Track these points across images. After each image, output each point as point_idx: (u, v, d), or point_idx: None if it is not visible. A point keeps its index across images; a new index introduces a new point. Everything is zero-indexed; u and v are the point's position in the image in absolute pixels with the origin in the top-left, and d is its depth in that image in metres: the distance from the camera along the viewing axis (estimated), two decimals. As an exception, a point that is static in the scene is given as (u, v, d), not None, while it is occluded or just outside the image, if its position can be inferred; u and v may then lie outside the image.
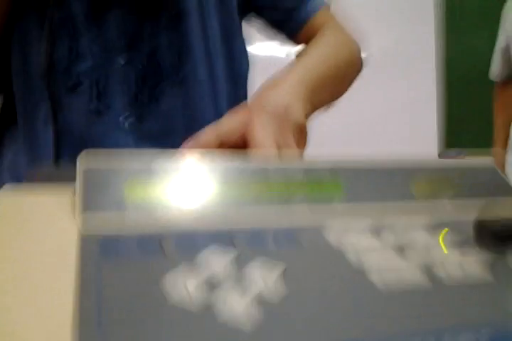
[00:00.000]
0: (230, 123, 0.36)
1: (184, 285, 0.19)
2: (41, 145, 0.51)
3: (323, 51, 0.55)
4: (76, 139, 0.51)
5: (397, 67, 2.36)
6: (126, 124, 0.52)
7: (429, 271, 0.22)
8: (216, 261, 0.20)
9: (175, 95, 0.54)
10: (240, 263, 0.20)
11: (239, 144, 0.36)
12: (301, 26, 0.62)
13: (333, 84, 0.53)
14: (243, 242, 0.23)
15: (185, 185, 0.27)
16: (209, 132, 0.36)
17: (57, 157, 0.49)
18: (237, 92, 0.61)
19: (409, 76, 2.34)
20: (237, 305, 0.18)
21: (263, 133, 0.34)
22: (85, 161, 0.26)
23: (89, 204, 0.24)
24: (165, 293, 0.18)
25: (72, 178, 0.31)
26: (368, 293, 0.20)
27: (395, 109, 2.31)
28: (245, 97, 0.62)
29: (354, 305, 0.20)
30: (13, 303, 0.17)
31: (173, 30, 0.54)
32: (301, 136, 0.37)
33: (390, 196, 0.29)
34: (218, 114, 0.58)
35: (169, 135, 0.54)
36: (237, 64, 0.60)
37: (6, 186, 0.27)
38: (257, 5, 0.63)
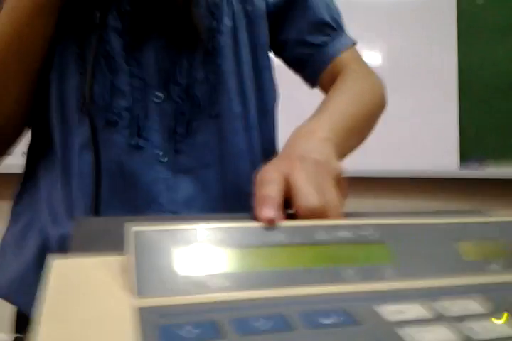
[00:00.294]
0: (272, 175, 0.36)
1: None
2: (78, 177, 0.52)
3: (351, 97, 0.55)
4: (115, 172, 0.52)
5: (417, 75, 2.35)
6: (165, 158, 0.53)
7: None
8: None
9: (210, 129, 0.55)
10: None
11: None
12: (327, 64, 0.62)
13: (361, 130, 0.54)
14: (300, 323, 0.23)
15: (232, 252, 0.27)
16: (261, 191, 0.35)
17: (97, 188, 0.50)
18: (266, 126, 0.61)
19: (429, 83, 2.32)
20: None
21: (307, 185, 0.34)
22: (135, 235, 0.26)
23: (143, 286, 0.24)
24: None
25: (115, 233, 0.32)
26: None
27: (414, 117, 2.30)
28: (274, 130, 0.63)
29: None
30: None
31: (209, 65, 0.55)
32: (341, 185, 0.37)
33: (438, 259, 0.29)
34: (251, 148, 0.58)
35: (204, 168, 0.55)
36: (267, 97, 0.61)
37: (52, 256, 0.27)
38: (284, 39, 0.63)
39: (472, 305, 0.26)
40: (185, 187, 0.54)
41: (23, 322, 0.57)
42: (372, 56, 2.10)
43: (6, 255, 0.57)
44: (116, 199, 0.52)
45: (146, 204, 0.52)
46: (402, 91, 2.20)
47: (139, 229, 0.27)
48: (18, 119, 0.54)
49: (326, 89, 0.62)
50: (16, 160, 0.62)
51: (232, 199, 0.56)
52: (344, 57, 0.62)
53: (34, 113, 0.55)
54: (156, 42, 0.53)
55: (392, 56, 2.29)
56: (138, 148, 0.52)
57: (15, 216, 0.58)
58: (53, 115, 0.53)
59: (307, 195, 0.33)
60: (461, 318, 0.25)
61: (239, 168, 0.57)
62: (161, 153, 0.53)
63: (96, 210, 0.50)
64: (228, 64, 0.56)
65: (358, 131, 0.52)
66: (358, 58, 0.64)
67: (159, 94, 0.53)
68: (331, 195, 0.35)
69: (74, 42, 0.52)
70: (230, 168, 0.57)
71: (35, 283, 0.52)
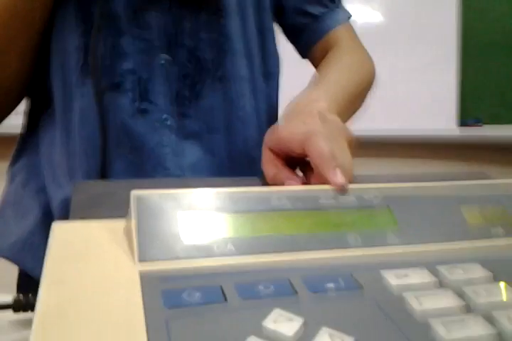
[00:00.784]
0: (292, 133, 0.36)
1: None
2: (81, 141, 0.51)
3: (346, 71, 0.55)
4: (121, 136, 0.51)
5: (417, 32, 2.30)
6: (169, 122, 0.52)
7: (491, 317, 0.22)
8: (285, 326, 0.20)
9: (216, 91, 0.54)
10: (309, 330, 0.20)
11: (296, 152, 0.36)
12: (322, 35, 0.62)
13: (354, 103, 0.54)
14: (304, 287, 0.23)
15: (238, 216, 0.27)
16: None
17: (103, 152, 0.49)
18: (270, 90, 0.60)
19: (428, 41, 2.28)
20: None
21: (327, 146, 0.34)
22: (137, 200, 0.26)
23: (145, 249, 0.24)
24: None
25: (118, 196, 0.32)
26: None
27: (413, 75, 2.27)
28: (277, 97, 0.62)
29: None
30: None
31: (214, 26, 0.53)
32: (351, 149, 0.37)
33: (443, 224, 0.29)
34: (257, 112, 0.58)
35: (210, 132, 0.54)
36: (270, 60, 0.60)
37: (57, 222, 0.27)
38: (283, 4, 0.62)
39: (477, 270, 0.26)
40: (191, 152, 0.54)
41: (25, 283, 0.58)
42: (370, 12, 2.05)
43: (4, 215, 0.57)
44: (122, 164, 0.51)
45: (153, 168, 0.52)
46: (400, 49, 2.16)
47: (140, 193, 0.26)
48: (22, 78, 0.53)
49: (316, 60, 0.63)
50: (14, 120, 0.61)
51: (238, 164, 0.56)
52: (339, 30, 0.62)
53: (34, 73, 0.54)
54: (160, 3, 0.51)
55: (391, 12, 2.22)
56: (143, 111, 0.51)
57: (12, 175, 0.58)
58: (54, 76, 0.52)
59: (326, 151, 0.33)
60: (465, 282, 0.25)
61: (246, 133, 0.56)
62: (167, 117, 0.52)
63: (102, 175, 0.49)
64: (233, 24, 0.54)
65: (352, 103, 0.52)
66: (352, 34, 0.64)
67: (164, 55, 0.51)
68: (347, 158, 0.34)
69: (75, 3, 0.50)
70: (237, 132, 0.56)
71: (39, 245, 0.52)
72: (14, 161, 0.59)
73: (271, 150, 0.38)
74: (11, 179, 0.58)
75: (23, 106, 0.58)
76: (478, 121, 2.36)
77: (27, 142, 0.58)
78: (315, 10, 0.62)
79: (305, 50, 0.65)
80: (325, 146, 0.33)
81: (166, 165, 0.52)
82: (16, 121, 0.63)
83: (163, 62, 0.51)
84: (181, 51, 0.52)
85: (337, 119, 0.38)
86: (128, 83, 0.50)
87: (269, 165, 0.38)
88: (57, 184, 0.53)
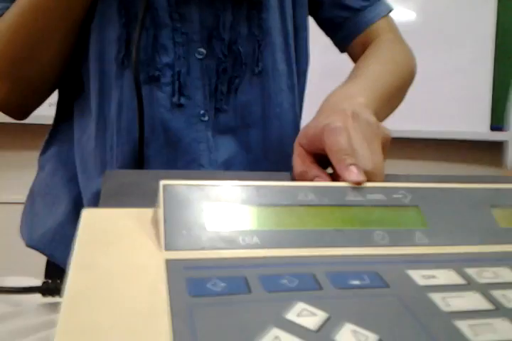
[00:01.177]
0: (317, 128, 0.35)
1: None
2: (117, 133, 0.51)
3: (386, 66, 0.54)
4: (158, 130, 0.51)
5: (452, 34, 2.25)
6: (206, 117, 0.52)
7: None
8: (309, 320, 0.20)
9: (254, 87, 0.54)
10: (333, 325, 0.20)
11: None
12: (363, 29, 0.61)
13: (393, 99, 0.53)
14: (329, 282, 0.23)
15: (264, 209, 0.27)
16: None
17: (140, 146, 0.49)
18: (303, 90, 0.60)
19: (465, 42, 2.23)
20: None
21: (363, 146, 0.33)
22: (166, 190, 0.26)
23: (172, 238, 0.24)
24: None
25: (148, 186, 0.32)
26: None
27: (446, 77, 2.23)
28: (304, 94, 0.61)
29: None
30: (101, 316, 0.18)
31: (253, 20, 0.53)
32: (385, 149, 0.36)
33: (474, 226, 0.28)
34: (293, 108, 0.57)
35: (246, 128, 0.54)
36: (303, 57, 0.59)
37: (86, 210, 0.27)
38: (322, 1, 0.61)
39: (506, 273, 0.25)
40: (226, 147, 0.53)
41: (53, 271, 0.59)
42: (406, 12, 2.01)
43: (34, 203, 0.58)
44: (157, 158, 0.51)
45: (187, 164, 0.52)
46: (434, 50, 2.12)
47: (168, 183, 0.27)
48: (57, 70, 0.53)
49: (356, 54, 0.61)
50: (44, 111, 0.62)
51: (273, 161, 0.55)
52: (379, 24, 0.61)
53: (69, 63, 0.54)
54: None
55: (426, 12, 2.18)
56: (180, 106, 0.51)
57: (41, 165, 0.59)
58: (91, 66, 0.52)
59: (363, 158, 0.33)
60: (494, 285, 0.24)
61: (282, 129, 0.56)
62: (203, 112, 0.52)
63: (136, 168, 0.50)
64: (273, 19, 0.54)
65: (391, 100, 0.51)
66: (393, 27, 0.63)
67: (202, 49, 0.51)
68: (379, 158, 0.34)
69: None
70: (273, 128, 0.55)
71: (69, 236, 0.53)
72: (44, 150, 0.60)
73: (302, 146, 0.38)
74: (41, 168, 0.59)
75: (55, 97, 0.59)
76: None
77: (58, 132, 0.59)
78: (355, 3, 0.60)
79: (344, 44, 0.63)
80: (342, 141, 0.33)
81: (200, 161, 0.52)
82: (47, 112, 0.64)
83: (200, 56, 0.51)
84: (219, 45, 0.52)
85: (372, 118, 0.37)
86: (166, 77, 0.50)
87: (298, 161, 0.37)
88: (88, 176, 0.53)
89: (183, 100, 0.51)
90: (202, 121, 0.52)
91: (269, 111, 0.55)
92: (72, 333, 0.18)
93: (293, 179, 0.37)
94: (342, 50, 0.65)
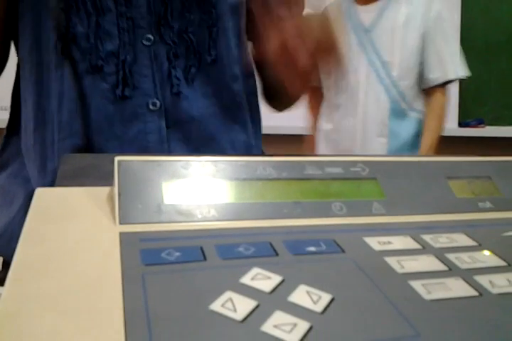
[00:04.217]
0: None
1: (231, 301, 0.19)
2: (58, 128, 0.48)
3: None
4: (102, 123, 0.48)
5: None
6: (158, 106, 0.49)
7: (473, 281, 0.22)
8: (263, 283, 0.20)
9: (209, 75, 0.51)
10: (287, 287, 0.20)
11: None
12: None
13: None
14: (285, 249, 0.23)
15: (222, 184, 0.27)
16: None
17: (85, 141, 0.47)
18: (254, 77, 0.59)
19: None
20: (282, 319, 0.18)
21: None
22: (121, 165, 0.26)
23: (127, 212, 0.24)
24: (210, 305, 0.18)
25: (105, 168, 0.31)
26: (412, 301, 0.20)
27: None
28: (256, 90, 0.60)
29: (398, 313, 0.19)
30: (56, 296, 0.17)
31: (203, 5, 0.50)
32: None
33: (431, 197, 0.29)
34: (249, 97, 0.56)
35: (208, 118, 0.52)
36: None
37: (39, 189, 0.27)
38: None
39: (462, 238, 0.26)
40: (178, 138, 0.51)
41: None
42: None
43: None
44: (103, 152, 0.48)
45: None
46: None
47: (124, 159, 0.26)
48: None
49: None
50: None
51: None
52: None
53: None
54: None
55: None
56: (124, 98, 0.48)
57: (3, 163, 0.56)
58: (26, 56, 0.48)
59: None
60: (449, 249, 0.24)
61: (243, 120, 0.55)
62: (153, 101, 0.49)
63: None
64: (225, 6, 0.52)
65: None
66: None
67: (149, 36, 0.49)
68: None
69: None
70: (232, 120, 0.54)
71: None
72: (3, 149, 0.56)
73: None
74: (1, 168, 0.56)
75: (8, 102, 0.56)
76: (480, 122, 2.36)
77: (13, 129, 0.56)
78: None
79: None
80: None
81: (150, 153, 0.49)
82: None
83: (148, 43, 0.49)
84: (168, 32, 0.49)
85: None
86: (110, 67, 0.48)
87: None
88: (31, 173, 0.51)
89: (127, 91, 0.48)
90: (151, 110, 0.49)
91: (226, 101, 0.53)
92: (18, 300, 0.18)
93: None
94: None
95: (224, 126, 0.54)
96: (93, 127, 0.48)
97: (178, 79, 0.50)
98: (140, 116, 0.49)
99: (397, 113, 1.45)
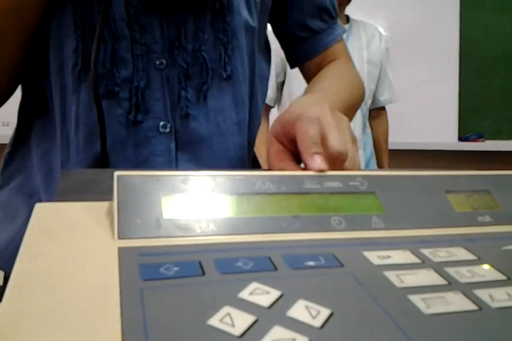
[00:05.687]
0: (310, 114, 0.35)
1: (229, 316, 0.19)
2: (76, 150, 0.49)
3: (343, 84, 0.57)
4: (116, 147, 0.49)
5: (419, 47, 2.31)
6: (168, 128, 0.50)
7: (473, 295, 0.22)
8: (261, 298, 0.20)
9: (224, 91, 0.52)
10: (286, 302, 0.20)
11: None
12: (320, 52, 0.63)
13: (348, 115, 0.55)
14: (284, 264, 0.23)
15: (221, 198, 0.27)
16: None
17: (103, 163, 0.48)
18: (263, 97, 0.60)
19: (431, 55, 2.30)
20: (281, 334, 0.18)
21: (337, 130, 0.34)
22: (120, 180, 0.26)
23: (126, 227, 0.24)
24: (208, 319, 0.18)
25: (106, 183, 0.31)
26: (411, 316, 0.20)
27: (416, 88, 2.28)
28: (264, 100, 0.62)
29: (397, 328, 0.19)
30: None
31: (218, 24, 0.51)
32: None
33: (430, 211, 0.29)
34: (257, 115, 0.56)
35: (222, 136, 0.52)
36: (265, 65, 0.59)
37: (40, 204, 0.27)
38: (285, 15, 0.62)
39: (461, 252, 0.26)
40: (186, 160, 0.51)
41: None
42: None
43: None
44: None
45: None
46: (402, 64, 2.17)
47: (122, 174, 0.26)
48: (9, 79, 0.51)
49: (310, 73, 0.64)
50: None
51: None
52: (336, 47, 0.64)
53: (30, 75, 0.53)
54: (160, 5, 0.49)
55: (394, 27, 2.24)
56: (136, 123, 0.49)
57: (4, 180, 0.56)
58: (53, 79, 0.50)
59: (334, 140, 0.33)
60: (448, 263, 0.24)
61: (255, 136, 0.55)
62: (163, 123, 0.50)
63: None
64: (238, 20, 0.52)
65: (346, 115, 0.53)
66: (346, 50, 0.67)
67: (162, 60, 0.49)
68: (350, 144, 0.35)
69: (73, 4, 0.47)
70: (249, 136, 0.55)
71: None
72: (6, 165, 0.57)
73: (280, 142, 0.37)
74: (3, 183, 0.56)
75: (8, 117, 0.56)
76: (480, 136, 2.37)
77: (20, 145, 0.56)
78: (315, 25, 0.62)
79: (298, 62, 0.66)
80: (311, 130, 0.33)
81: None
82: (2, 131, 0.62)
83: (161, 67, 0.49)
84: (181, 54, 0.50)
85: (345, 117, 0.38)
86: (124, 92, 0.49)
87: (276, 158, 0.37)
88: (48, 189, 0.51)
89: (139, 117, 0.49)
90: (162, 133, 0.50)
91: (240, 118, 0.53)
92: (16, 315, 0.18)
93: None
94: (293, 66, 0.66)
95: (234, 144, 0.54)
96: (108, 150, 0.49)
97: (188, 100, 0.50)
98: (151, 139, 0.50)
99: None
